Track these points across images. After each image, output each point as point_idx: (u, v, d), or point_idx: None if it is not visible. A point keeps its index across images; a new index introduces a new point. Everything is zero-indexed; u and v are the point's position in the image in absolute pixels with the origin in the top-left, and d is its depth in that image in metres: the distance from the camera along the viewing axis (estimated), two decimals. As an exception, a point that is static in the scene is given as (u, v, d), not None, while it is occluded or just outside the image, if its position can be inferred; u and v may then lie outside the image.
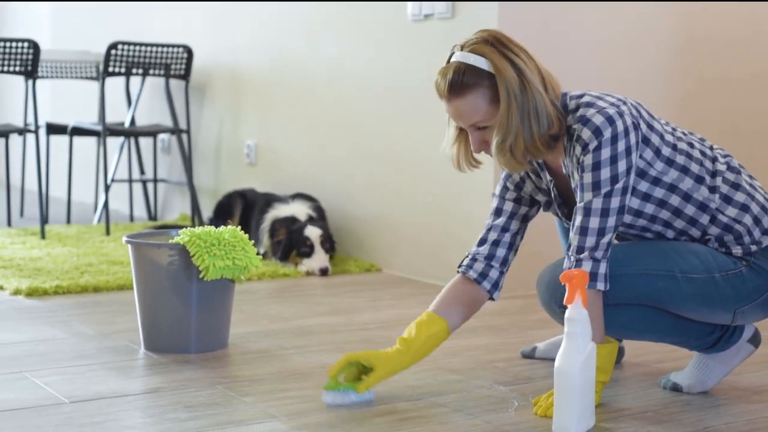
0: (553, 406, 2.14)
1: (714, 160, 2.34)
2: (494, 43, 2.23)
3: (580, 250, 2.24)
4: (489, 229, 2.49)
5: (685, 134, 2.37)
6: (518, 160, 2.25)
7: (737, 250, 2.31)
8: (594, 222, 2.22)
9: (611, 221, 2.23)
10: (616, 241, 2.44)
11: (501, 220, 2.49)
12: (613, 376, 2.54)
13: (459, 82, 2.22)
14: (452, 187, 3.84)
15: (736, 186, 2.32)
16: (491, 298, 2.47)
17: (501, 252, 2.47)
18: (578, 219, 2.25)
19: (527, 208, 2.51)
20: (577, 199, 2.27)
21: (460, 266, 2.48)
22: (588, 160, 2.22)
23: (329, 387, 2.31)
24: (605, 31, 3.90)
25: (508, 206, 2.50)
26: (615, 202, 2.22)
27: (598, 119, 2.21)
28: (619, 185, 2.22)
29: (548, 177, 2.39)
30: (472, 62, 2.22)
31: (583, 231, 2.23)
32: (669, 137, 2.31)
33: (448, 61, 2.28)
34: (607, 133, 2.20)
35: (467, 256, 2.49)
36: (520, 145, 2.22)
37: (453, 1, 3.77)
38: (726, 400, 2.41)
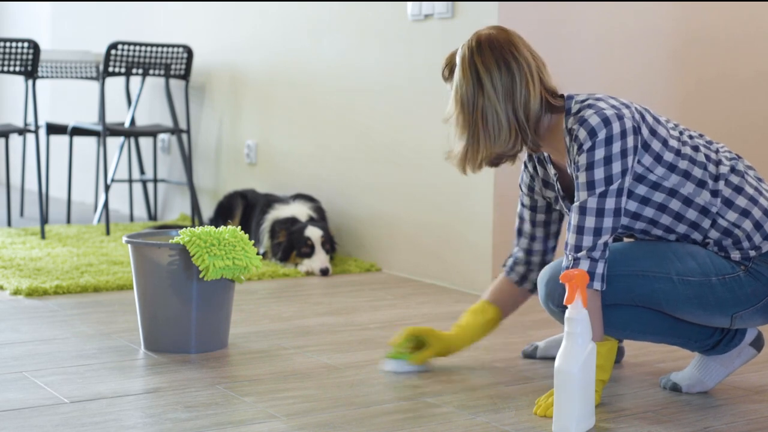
0: (553, 406, 2.15)
1: (718, 163, 2.33)
2: (474, 48, 2.31)
3: (577, 249, 2.24)
4: (519, 235, 2.62)
5: (692, 137, 2.36)
6: (461, 163, 2.35)
7: (735, 255, 2.31)
8: (590, 221, 2.23)
9: (607, 222, 2.23)
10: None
11: (527, 228, 2.60)
12: (613, 376, 2.54)
13: (442, 71, 2.41)
14: (453, 187, 3.84)
15: (738, 190, 2.31)
16: (532, 293, 2.65)
17: (536, 258, 2.61)
18: (574, 218, 2.26)
19: (544, 215, 2.56)
20: (575, 199, 2.27)
21: (503, 266, 2.65)
22: (582, 159, 2.23)
23: (391, 356, 2.57)
24: (605, 31, 3.90)
25: (526, 214, 2.59)
26: (610, 203, 2.23)
27: (594, 120, 2.22)
28: (614, 186, 2.22)
29: (553, 171, 2.41)
30: (454, 58, 2.36)
31: (580, 230, 2.24)
32: (673, 142, 2.30)
33: None
34: (602, 134, 2.21)
35: (510, 257, 2.64)
36: (463, 150, 2.32)
37: (453, 1, 3.77)
38: (726, 400, 2.41)
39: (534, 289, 2.61)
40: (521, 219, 2.60)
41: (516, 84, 2.27)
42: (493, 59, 2.27)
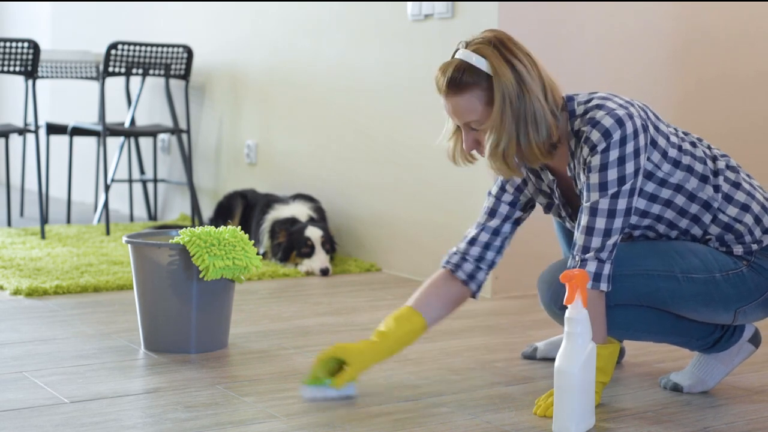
0: (553, 406, 2.15)
1: (714, 159, 2.35)
2: (498, 45, 2.23)
3: (585, 250, 2.24)
4: (481, 230, 2.49)
5: (686, 134, 2.37)
6: (510, 165, 2.25)
7: (738, 249, 2.31)
8: (600, 222, 2.22)
9: (618, 223, 2.23)
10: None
11: (494, 222, 2.49)
12: (613, 376, 2.54)
13: (458, 79, 2.23)
14: (452, 186, 3.84)
15: (736, 185, 2.33)
16: (473, 297, 2.50)
17: (490, 255, 2.49)
18: (584, 219, 2.25)
19: (521, 213, 2.51)
20: (583, 200, 2.26)
21: (447, 263, 2.49)
22: (596, 161, 2.22)
23: (308, 382, 2.33)
24: (605, 31, 3.90)
25: (504, 209, 2.50)
26: (622, 204, 2.22)
27: (607, 121, 2.21)
28: (627, 187, 2.22)
29: (550, 177, 2.39)
30: (472, 62, 2.23)
31: (589, 231, 2.23)
32: (674, 138, 2.31)
33: (453, 57, 2.28)
34: (617, 135, 2.20)
35: (455, 253, 2.49)
36: (513, 151, 2.23)
37: (453, 1, 3.77)
38: (726, 400, 2.41)
39: (477, 291, 2.48)
40: (491, 215, 2.48)
41: (543, 75, 2.25)
42: (520, 52, 2.23)
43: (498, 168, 2.27)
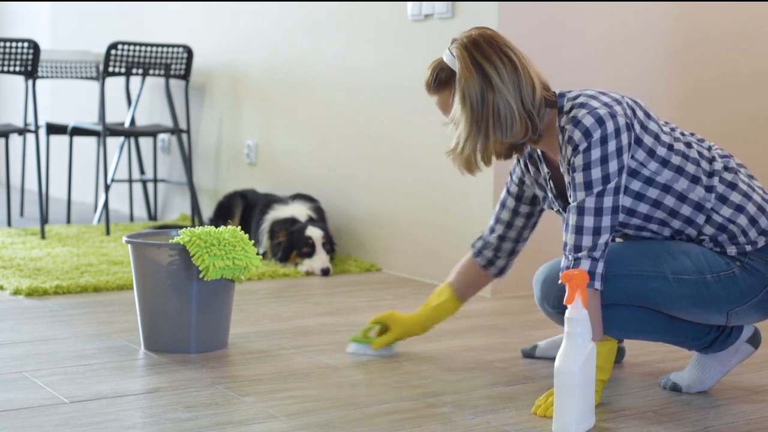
0: (553, 406, 2.15)
1: (711, 160, 2.34)
2: (470, 46, 2.29)
3: (577, 249, 2.25)
4: (496, 221, 2.63)
5: (683, 134, 2.37)
6: (466, 162, 2.33)
7: (732, 250, 2.31)
8: (589, 221, 2.23)
9: (606, 221, 2.24)
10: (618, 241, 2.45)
11: (506, 215, 2.61)
12: (613, 376, 2.54)
13: (435, 78, 2.38)
14: (453, 186, 3.84)
15: (732, 186, 2.32)
16: (498, 277, 2.71)
17: (507, 246, 2.64)
18: (572, 218, 2.26)
19: (528, 207, 2.57)
20: (570, 199, 2.28)
21: (471, 246, 2.69)
22: (578, 160, 2.23)
23: (356, 339, 2.73)
24: (605, 31, 3.90)
25: (511, 202, 2.60)
26: (608, 202, 2.23)
27: (588, 120, 2.22)
28: (611, 185, 2.23)
29: (546, 170, 2.41)
30: (449, 62, 2.33)
31: (579, 230, 2.24)
32: (665, 137, 2.31)
33: None
34: (597, 134, 2.21)
35: (479, 239, 2.67)
36: (469, 150, 2.30)
37: (453, 1, 3.77)
38: (726, 400, 2.41)
39: (498, 274, 2.68)
40: (502, 206, 2.62)
41: (520, 74, 2.27)
42: (494, 52, 2.27)
43: (456, 164, 2.36)
